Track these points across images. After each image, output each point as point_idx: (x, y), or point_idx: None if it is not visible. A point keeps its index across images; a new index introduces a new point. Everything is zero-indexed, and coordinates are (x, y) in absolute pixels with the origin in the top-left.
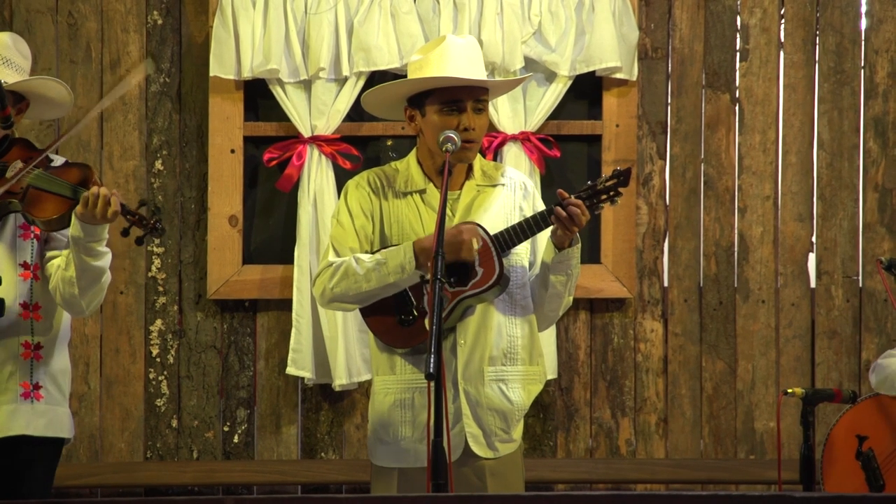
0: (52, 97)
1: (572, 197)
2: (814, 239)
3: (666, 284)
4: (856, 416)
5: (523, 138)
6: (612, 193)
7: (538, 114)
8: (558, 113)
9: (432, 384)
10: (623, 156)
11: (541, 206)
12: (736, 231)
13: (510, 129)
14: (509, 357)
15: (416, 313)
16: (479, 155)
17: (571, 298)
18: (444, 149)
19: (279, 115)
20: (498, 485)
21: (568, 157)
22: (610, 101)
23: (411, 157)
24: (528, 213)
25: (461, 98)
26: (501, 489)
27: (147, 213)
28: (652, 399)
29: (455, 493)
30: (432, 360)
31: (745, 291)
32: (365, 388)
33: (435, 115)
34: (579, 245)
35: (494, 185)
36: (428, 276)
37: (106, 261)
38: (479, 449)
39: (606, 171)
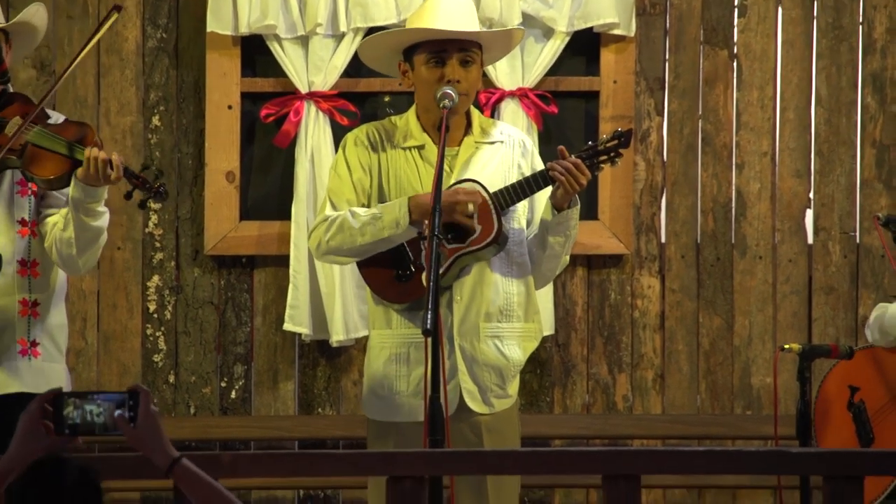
0: (35, 24)
1: (573, 157)
2: (811, 195)
3: (663, 241)
4: (849, 367)
5: (521, 95)
6: (612, 154)
7: (536, 70)
8: (556, 69)
9: (429, 340)
10: (621, 112)
11: (539, 165)
12: (733, 187)
13: (508, 85)
14: (505, 314)
15: (413, 269)
16: (477, 111)
17: (568, 258)
18: (441, 105)
19: (276, 70)
20: (494, 440)
21: (565, 113)
22: (608, 57)
23: (410, 113)
24: (527, 172)
25: (446, 49)
26: (498, 445)
27: (150, 176)
28: (649, 355)
29: (452, 449)
30: (429, 317)
31: (742, 247)
32: (362, 344)
33: (423, 67)
34: (578, 206)
35: (493, 143)
36: (425, 233)
37: (104, 220)
38: (474, 404)
39: (604, 127)
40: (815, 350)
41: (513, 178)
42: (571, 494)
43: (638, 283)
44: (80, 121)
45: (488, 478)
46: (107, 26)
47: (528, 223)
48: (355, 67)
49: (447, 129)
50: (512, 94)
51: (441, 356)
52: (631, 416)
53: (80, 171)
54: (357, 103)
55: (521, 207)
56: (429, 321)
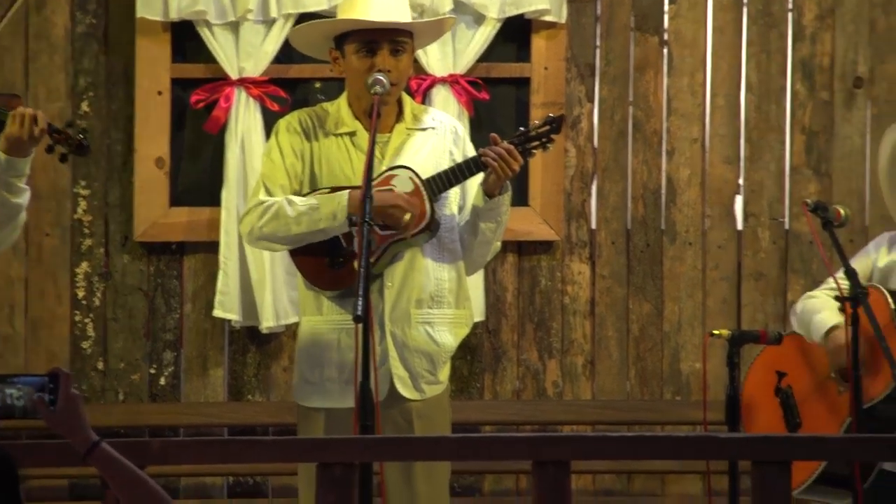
0: None
1: (505, 143)
2: (741, 181)
3: (594, 227)
4: (776, 352)
5: (452, 81)
6: (544, 140)
7: (467, 56)
8: (487, 56)
9: (360, 326)
10: (552, 98)
11: (471, 151)
12: (664, 173)
13: (439, 71)
14: (437, 300)
15: (345, 256)
16: (409, 98)
17: (500, 244)
18: (372, 91)
19: (207, 56)
20: (425, 426)
21: (497, 99)
22: (539, 43)
23: (342, 99)
24: (458, 158)
25: (376, 39)
26: (428, 431)
27: (74, 132)
28: (579, 341)
29: (382, 435)
30: (360, 303)
31: (672, 233)
32: (292, 331)
33: (353, 56)
34: (510, 193)
35: (425, 129)
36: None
37: (25, 198)
38: (405, 391)
39: (535, 113)
40: (743, 336)
41: (444, 164)
42: (501, 480)
43: (568, 269)
44: (8, 93)
45: (418, 464)
46: (14, 8)
47: (461, 209)
48: (286, 53)
49: (378, 115)
50: (443, 81)
51: (371, 342)
52: (561, 402)
53: (5, 132)
54: (288, 89)
55: (453, 194)
56: (360, 307)
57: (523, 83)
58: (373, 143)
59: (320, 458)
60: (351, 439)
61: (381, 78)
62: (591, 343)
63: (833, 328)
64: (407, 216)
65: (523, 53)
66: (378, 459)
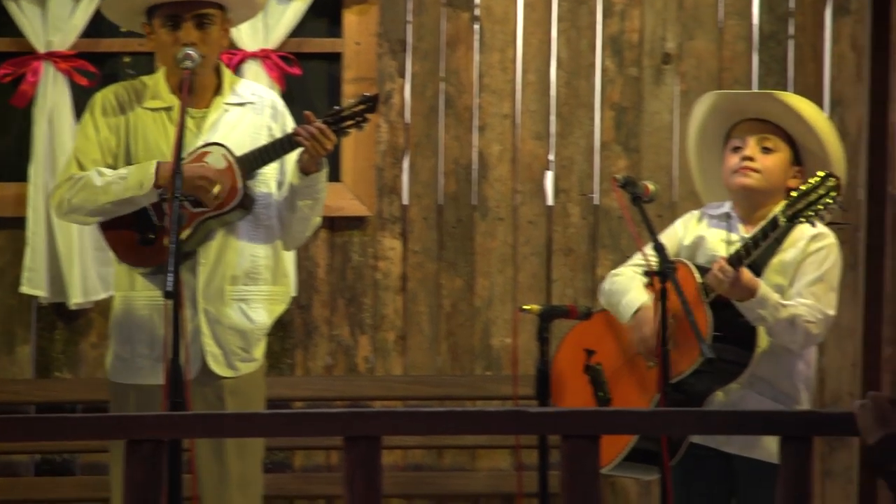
0: None
1: (319, 121)
2: (551, 157)
3: (405, 202)
4: (586, 328)
5: (263, 56)
6: (358, 119)
7: (278, 31)
8: (299, 31)
9: (170, 303)
10: (363, 74)
11: (290, 127)
12: (475, 149)
13: (250, 46)
14: (252, 277)
15: (156, 233)
16: (229, 72)
17: (320, 219)
18: (182, 66)
19: (13, 30)
20: (237, 403)
21: (308, 74)
22: (350, 18)
23: (160, 73)
24: (277, 134)
25: (179, 13)
26: (241, 408)
27: None
28: (390, 316)
29: (191, 412)
30: (170, 279)
31: (483, 209)
32: (101, 307)
33: (161, 30)
34: (326, 170)
35: (243, 104)
36: (167, 195)
37: None
38: (218, 368)
39: (347, 89)
40: (553, 311)
41: (262, 140)
42: (312, 456)
43: (380, 244)
44: None
45: (229, 441)
46: None
47: (279, 185)
48: (95, 27)
49: (190, 90)
50: (254, 56)
51: (181, 319)
52: (372, 378)
53: None
54: (97, 64)
55: (271, 170)
56: (169, 284)
57: (335, 58)
58: (183, 119)
59: (128, 435)
60: (159, 416)
61: (190, 52)
62: (402, 319)
63: (639, 309)
64: (216, 189)
65: (335, 29)
66: (187, 436)
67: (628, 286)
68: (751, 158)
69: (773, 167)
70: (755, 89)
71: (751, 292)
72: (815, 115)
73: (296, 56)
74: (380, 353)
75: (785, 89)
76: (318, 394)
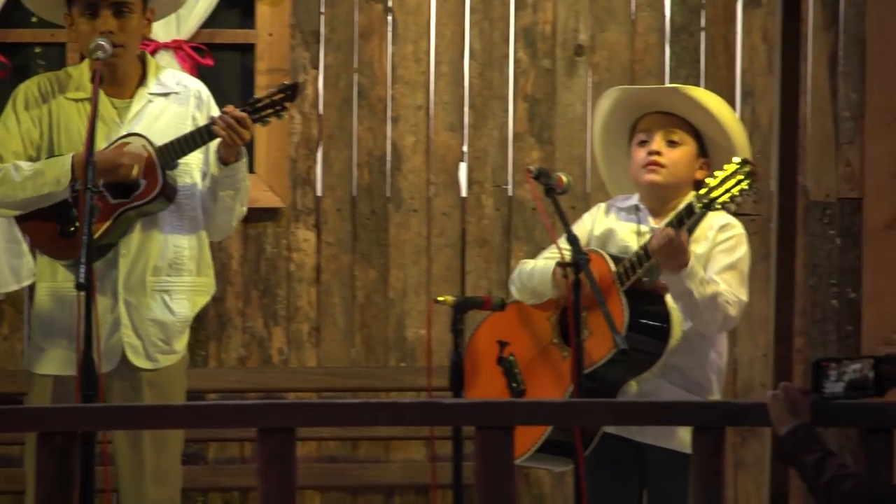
0: None
1: (237, 110)
2: (465, 148)
3: (319, 194)
4: (499, 320)
5: (176, 47)
6: (278, 108)
7: (190, 22)
8: (211, 21)
9: (82, 295)
10: (276, 65)
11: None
12: (389, 141)
13: (162, 37)
14: (175, 268)
15: (77, 225)
16: (155, 62)
17: (245, 209)
18: (93, 56)
19: None
20: (156, 395)
21: (221, 66)
22: (263, 9)
23: (85, 64)
24: (202, 123)
25: (96, 2)
26: (159, 400)
27: None
28: (304, 308)
29: (104, 404)
30: (82, 270)
31: (397, 201)
32: (13, 298)
33: (79, 19)
34: (245, 159)
35: (167, 94)
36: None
37: None
38: (137, 360)
39: (260, 80)
40: (468, 302)
41: (187, 130)
42: (226, 448)
43: (294, 236)
44: None
45: (146, 434)
46: None
47: (205, 175)
48: (6, 18)
49: (103, 80)
50: (166, 46)
51: (94, 310)
52: (286, 370)
53: None
54: (7, 54)
55: (195, 160)
56: (82, 275)
57: (248, 49)
58: (94, 110)
59: (39, 427)
60: (71, 408)
61: (102, 43)
62: (316, 310)
63: (556, 268)
64: (135, 170)
65: (248, 20)
66: (98, 428)
67: (535, 264)
68: (657, 153)
69: (680, 161)
70: (667, 81)
71: (686, 260)
72: (719, 107)
73: (208, 47)
74: (294, 344)
75: (697, 81)
76: (232, 386)
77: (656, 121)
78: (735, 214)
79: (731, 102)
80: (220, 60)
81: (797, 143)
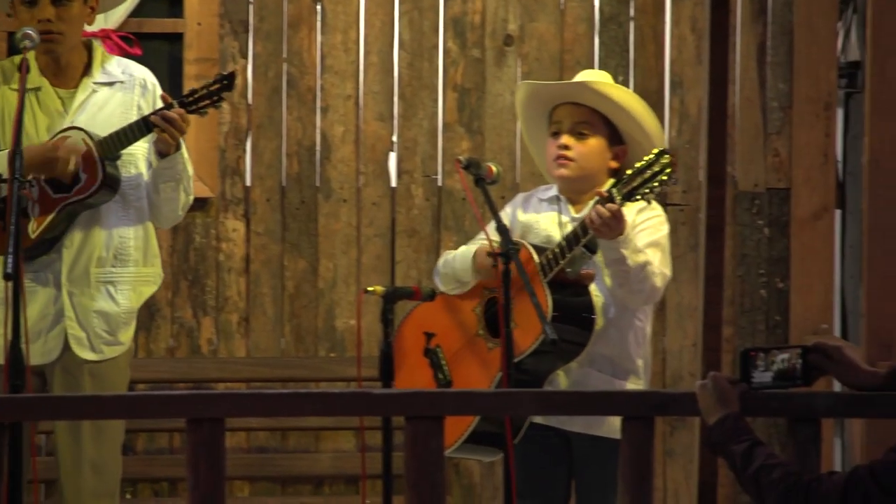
0: None
1: (175, 103)
2: (395, 138)
3: (248, 184)
4: (425, 311)
5: (104, 36)
6: (215, 98)
7: (118, 11)
8: (139, 11)
9: (9, 285)
10: (205, 54)
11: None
12: (318, 130)
13: (90, 26)
14: (120, 259)
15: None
16: (102, 50)
17: (191, 197)
18: (21, 46)
19: None
20: (98, 386)
21: (149, 55)
22: None
23: (31, 53)
24: (147, 111)
25: None
26: (101, 391)
27: None
28: (234, 298)
29: (32, 395)
30: (10, 261)
31: (326, 191)
32: None
33: (20, 7)
34: (183, 149)
35: (112, 83)
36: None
37: None
38: (82, 351)
39: (188, 69)
40: (397, 292)
41: (132, 118)
42: (155, 439)
43: (223, 226)
44: None
45: (86, 425)
46: None
47: (150, 165)
48: None
49: (28, 70)
50: (94, 36)
51: (22, 300)
52: (215, 360)
53: None
54: None
55: (140, 150)
56: (9, 265)
57: (176, 39)
58: (22, 100)
59: None
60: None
61: (29, 32)
62: (245, 300)
63: (478, 249)
64: (71, 164)
65: (176, 9)
66: (25, 419)
67: (456, 251)
68: (566, 147)
69: (590, 153)
70: (597, 70)
71: (623, 228)
72: (628, 100)
73: (136, 36)
74: (223, 334)
75: (626, 71)
76: (161, 376)
77: (567, 112)
78: (664, 205)
79: (660, 92)
80: (148, 50)
81: (726, 133)
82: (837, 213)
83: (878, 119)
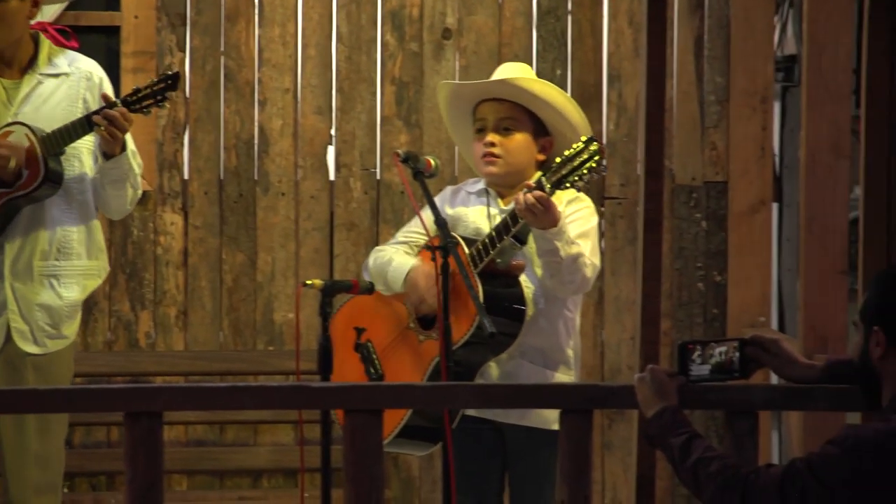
0: None
1: (118, 102)
2: (333, 132)
3: (186, 177)
4: (353, 307)
5: (40, 29)
6: (159, 98)
7: (55, 5)
8: (76, 4)
9: None
10: (142, 48)
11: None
12: (256, 124)
13: None
14: (64, 252)
15: None
16: (48, 42)
17: (140, 191)
18: None
19: None
20: (41, 379)
21: (86, 48)
22: None
23: None
24: (93, 105)
25: None
26: (43, 384)
27: None
28: (172, 292)
29: None
30: None
31: (265, 184)
32: None
33: None
34: (129, 148)
35: (58, 75)
36: None
37: None
38: (25, 345)
39: (125, 63)
40: (336, 285)
41: (78, 112)
42: (92, 433)
43: (161, 219)
44: None
45: (29, 418)
46: None
47: (96, 159)
48: None
49: None
50: (31, 28)
51: None
52: (153, 353)
53: None
54: None
55: (85, 144)
56: None
57: (113, 32)
58: None
59: None
60: None
61: None
62: (184, 294)
63: (410, 271)
64: (12, 163)
65: (113, 2)
66: None
67: (392, 256)
68: (492, 144)
69: (516, 148)
70: (534, 64)
71: (556, 219)
72: (547, 91)
73: (73, 29)
74: (161, 328)
75: (564, 64)
76: (99, 370)
77: (490, 109)
78: (602, 198)
79: (598, 86)
80: (85, 43)
81: (663, 126)
82: (775, 206)
83: (814, 113)
